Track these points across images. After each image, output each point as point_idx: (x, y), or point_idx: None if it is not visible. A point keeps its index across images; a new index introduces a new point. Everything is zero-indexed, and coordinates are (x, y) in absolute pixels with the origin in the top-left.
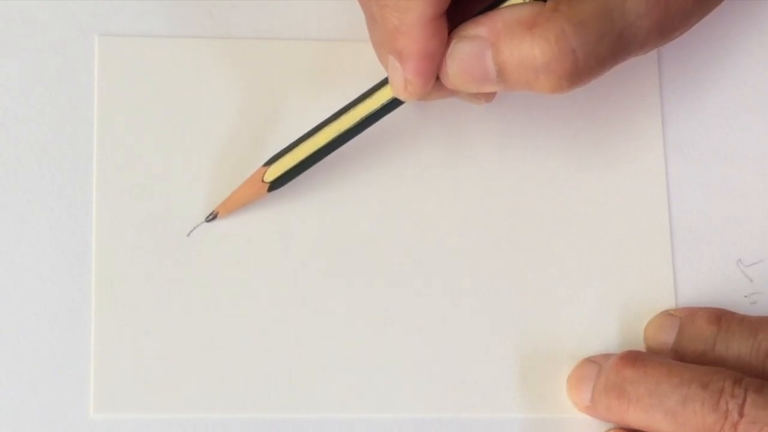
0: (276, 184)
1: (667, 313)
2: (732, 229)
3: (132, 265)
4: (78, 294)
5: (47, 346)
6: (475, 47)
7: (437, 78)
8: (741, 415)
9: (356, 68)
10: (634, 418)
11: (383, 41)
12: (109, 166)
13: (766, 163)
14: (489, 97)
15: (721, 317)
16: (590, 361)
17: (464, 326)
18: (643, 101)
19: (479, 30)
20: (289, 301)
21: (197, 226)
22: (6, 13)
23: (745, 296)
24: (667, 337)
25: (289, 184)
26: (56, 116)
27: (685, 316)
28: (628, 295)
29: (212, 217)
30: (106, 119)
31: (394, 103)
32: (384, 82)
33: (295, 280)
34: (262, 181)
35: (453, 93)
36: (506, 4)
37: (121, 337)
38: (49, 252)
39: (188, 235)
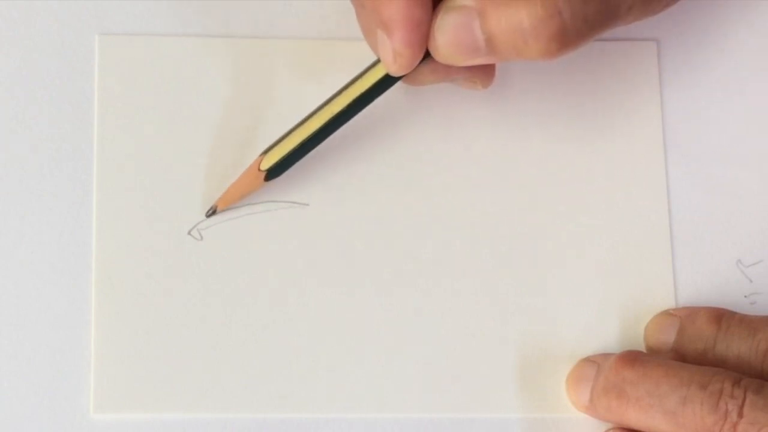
0: (273, 172)
1: (667, 313)
2: (732, 229)
3: (132, 265)
4: (78, 294)
5: (47, 346)
6: (462, 17)
7: (428, 54)
8: (740, 416)
9: (356, 66)
10: (633, 419)
11: (371, 18)
12: (109, 166)
13: (766, 163)
14: (485, 80)
15: (721, 317)
16: (589, 361)
17: (464, 326)
18: (643, 101)
19: (466, 0)
20: (289, 300)
21: (198, 223)
22: (6, 13)
23: (745, 296)
24: (667, 337)
25: (288, 181)
26: (56, 116)
27: (685, 316)
28: (628, 295)
29: (212, 212)
30: (106, 119)
31: (386, 82)
32: (375, 63)
33: (295, 280)
34: (259, 170)
35: (447, 74)
36: None
37: (121, 337)
38: (49, 252)
39: (188, 233)
